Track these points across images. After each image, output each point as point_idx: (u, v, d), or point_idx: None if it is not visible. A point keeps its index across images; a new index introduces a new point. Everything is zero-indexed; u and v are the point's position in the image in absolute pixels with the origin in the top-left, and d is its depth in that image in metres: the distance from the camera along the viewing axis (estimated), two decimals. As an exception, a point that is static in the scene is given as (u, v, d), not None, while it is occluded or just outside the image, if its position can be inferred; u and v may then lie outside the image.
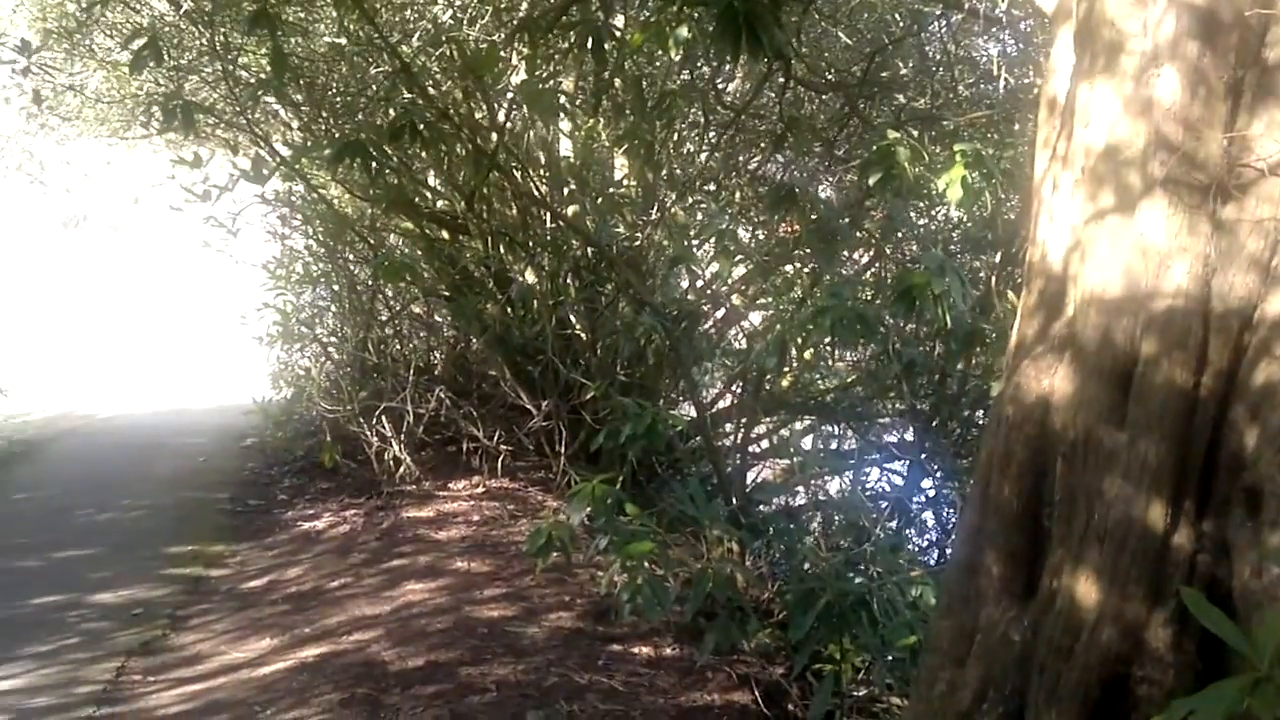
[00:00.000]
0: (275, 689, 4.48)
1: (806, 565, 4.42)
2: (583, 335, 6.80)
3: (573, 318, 6.91)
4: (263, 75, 7.55)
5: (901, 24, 6.14)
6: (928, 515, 5.99)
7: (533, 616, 5.04)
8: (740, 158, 7.60)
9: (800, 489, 5.80)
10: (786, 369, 5.37)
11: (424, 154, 6.65)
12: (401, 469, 7.22)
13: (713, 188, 7.23)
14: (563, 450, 6.32)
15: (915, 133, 5.18)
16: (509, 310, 6.84)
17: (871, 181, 3.93)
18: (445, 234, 7.67)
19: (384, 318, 8.40)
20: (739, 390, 6.88)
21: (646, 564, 4.43)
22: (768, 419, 6.68)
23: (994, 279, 5.29)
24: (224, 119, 7.75)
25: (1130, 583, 2.13)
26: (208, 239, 8.47)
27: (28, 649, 5.14)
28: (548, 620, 5.00)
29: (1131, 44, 2.29)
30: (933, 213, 6.57)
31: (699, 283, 7.09)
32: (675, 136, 7.08)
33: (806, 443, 6.69)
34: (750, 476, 6.70)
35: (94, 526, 7.57)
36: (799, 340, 4.60)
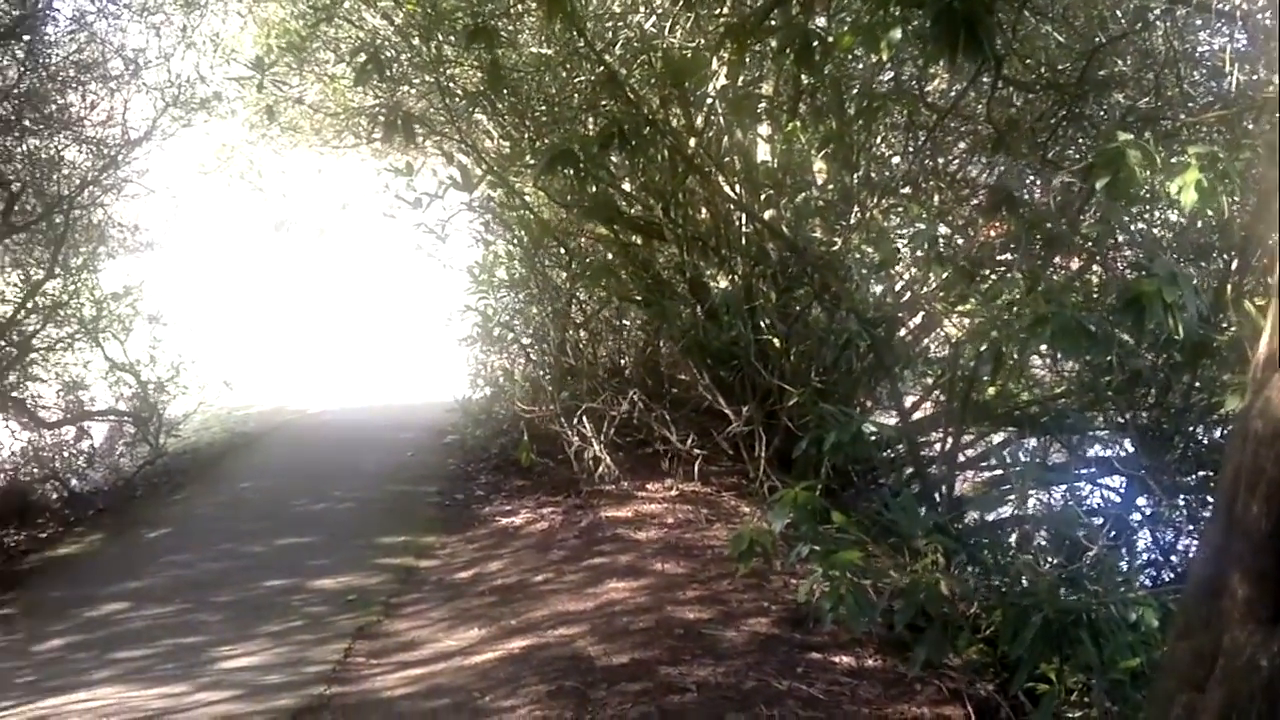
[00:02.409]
0: (488, 677, 4.64)
1: (1023, 579, 4.30)
2: (776, 341, 6.78)
3: (767, 323, 6.89)
4: (470, 86, 7.84)
5: (1122, 19, 5.89)
6: (1145, 534, 5.74)
7: (730, 620, 5.06)
8: (940, 160, 7.44)
9: (1010, 501, 5.65)
10: (998, 378, 5.24)
11: (625, 160, 6.78)
12: (600, 469, 7.36)
13: (909, 190, 7.10)
14: (761, 456, 6.32)
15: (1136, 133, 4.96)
16: (705, 315, 6.90)
17: (1098, 185, 3.80)
18: (639, 239, 7.79)
19: (579, 321, 8.57)
20: (939, 399, 6.74)
21: (848, 574, 4.41)
22: (972, 429, 6.53)
23: (1228, 287, 5.02)
24: (436, 129, 8.04)
25: (1396, 611, 2.01)
26: (417, 243, 8.82)
27: (261, 629, 5.51)
28: (746, 625, 5.01)
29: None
30: (1149, 216, 6.28)
31: (896, 287, 6.97)
32: (877, 139, 6.99)
33: (1013, 454, 6.51)
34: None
35: (311, 516, 8.02)
36: (1013, 349, 4.48)
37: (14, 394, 9.31)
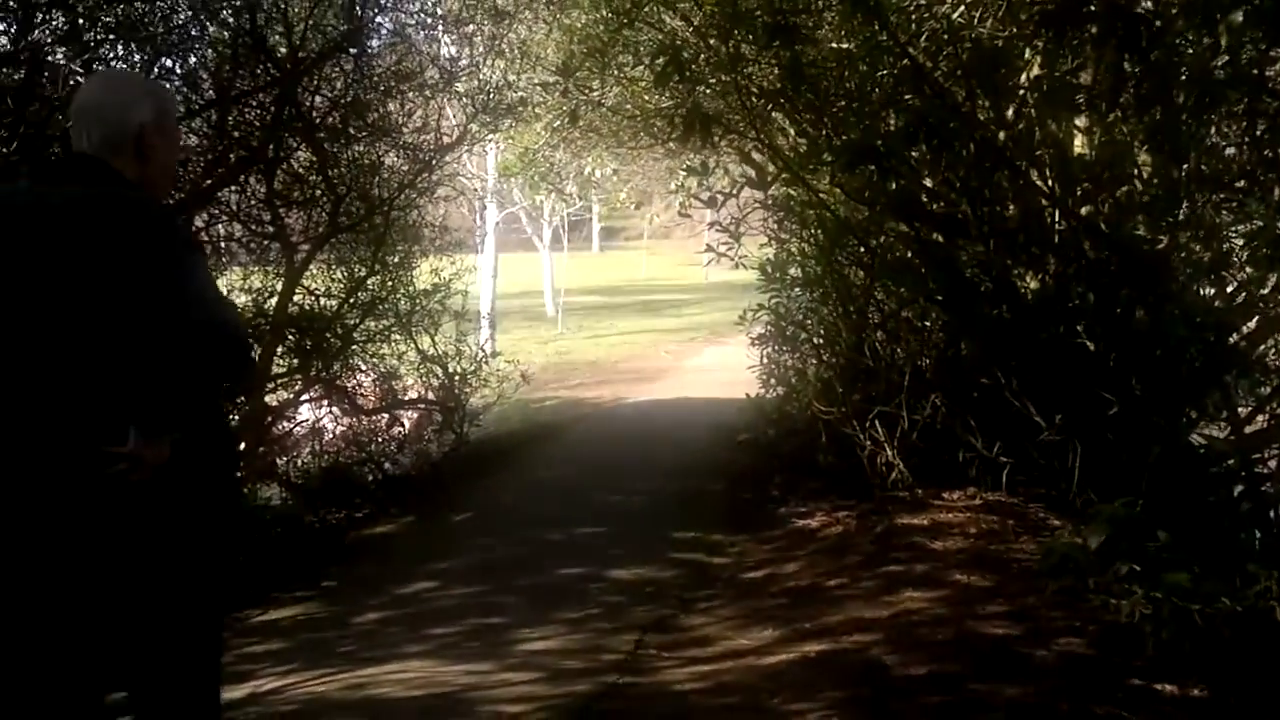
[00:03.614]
0: (780, 679, 4.60)
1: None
2: (1091, 345, 6.38)
3: (1082, 325, 6.50)
4: (767, 84, 7.82)
5: None
6: None
7: (1039, 638, 4.78)
8: (1280, 150, 6.78)
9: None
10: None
11: (927, 156, 6.57)
12: (894, 474, 7.17)
13: (1245, 184, 6.51)
14: (1075, 467, 5.97)
15: None
16: (1013, 316, 6.58)
17: None
18: (941, 237, 7.52)
19: (875, 321, 8.38)
20: (1277, 411, 6.16)
21: (1173, 596, 4.11)
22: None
23: None
24: (733, 128, 8.07)
25: None
26: (711, 242, 8.90)
27: (559, 614, 5.69)
28: (1056, 644, 4.73)
29: None
30: None
31: (1230, 289, 6.41)
32: (1210, 129, 6.45)
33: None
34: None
35: (606, 506, 8.26)
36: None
37: (338, 382, 10.04)
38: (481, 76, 10.73)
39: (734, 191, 7.93)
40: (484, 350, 11.90)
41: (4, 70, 6.64)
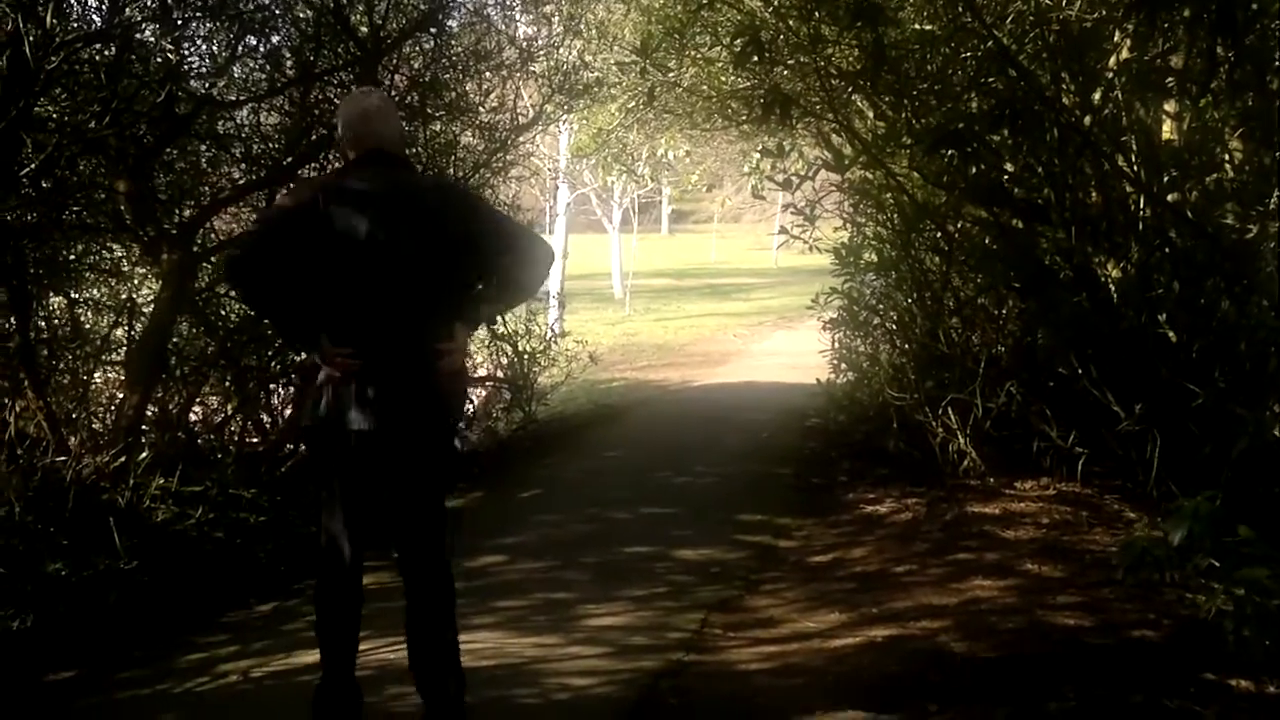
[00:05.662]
0: (846, 662, 4.58)
1: None
2: (1172, 335, 6.25)
3: (1164, 315, 6.36)
4: (847, 66, 7.73)
5: None
6: None
7: (1112, 631, 4.72)
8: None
9: None
10: None
11: (1008, 140, 6.47)
12: (965, 462, 7.10)
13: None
14: (1154, 459, 5.86)
15: None
16: (1093, 305, 6.46)
17: None
18: (1020, 223, 7.40)
19: (951, 307, 8.28)
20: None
21: (1253, 593, 4.02)
22: None
23: None
24: (811, 110, 8.01)
25: None
26: (784, 225, 8.86)
27: (625, 592, 5.71)
28: (1130, 637, 4.66)
29: None
30: None
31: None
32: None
33: None
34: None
35: (672, 488, 8.26)
36: None
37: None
38: (558, 56, 10.72)
39: (810, 174, 7.88)
40: (553, 330, 11.96)
41: (97, 47, 6.79)
